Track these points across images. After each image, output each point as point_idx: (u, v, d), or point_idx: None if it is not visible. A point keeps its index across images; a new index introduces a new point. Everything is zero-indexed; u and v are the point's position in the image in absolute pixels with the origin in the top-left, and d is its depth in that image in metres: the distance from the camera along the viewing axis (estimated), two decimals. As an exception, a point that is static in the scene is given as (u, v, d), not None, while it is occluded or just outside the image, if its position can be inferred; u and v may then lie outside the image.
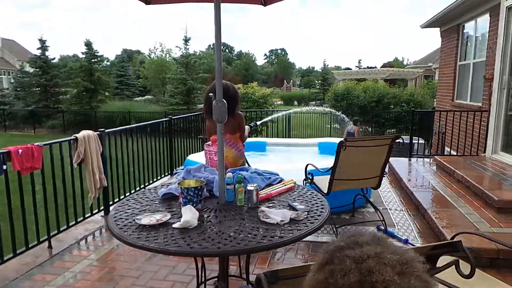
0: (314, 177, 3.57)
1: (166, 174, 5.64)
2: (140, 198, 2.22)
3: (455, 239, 1.32)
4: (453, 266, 0.97)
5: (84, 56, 21.64)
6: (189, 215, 1.77)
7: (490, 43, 6.12)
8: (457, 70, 8.15)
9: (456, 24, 8.06)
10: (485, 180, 4.28)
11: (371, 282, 0.57)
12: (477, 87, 6.87)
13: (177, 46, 34.86)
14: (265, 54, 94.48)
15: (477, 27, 7.28)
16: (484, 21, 6.69)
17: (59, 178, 3.43)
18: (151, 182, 5.11)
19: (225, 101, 1.99)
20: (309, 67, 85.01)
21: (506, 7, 5.02)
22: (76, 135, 3.54)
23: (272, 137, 9.92)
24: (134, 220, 1.83)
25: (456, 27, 8.09)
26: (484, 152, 5.60)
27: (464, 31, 8.00)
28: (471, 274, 0.98)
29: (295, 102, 35.31)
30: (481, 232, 3.07)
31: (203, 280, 2.31)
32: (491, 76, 5.48)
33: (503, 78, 5.15)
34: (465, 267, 1.15)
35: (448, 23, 8.53)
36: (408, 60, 56.88)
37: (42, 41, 21.03)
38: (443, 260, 1.06)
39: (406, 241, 3.31)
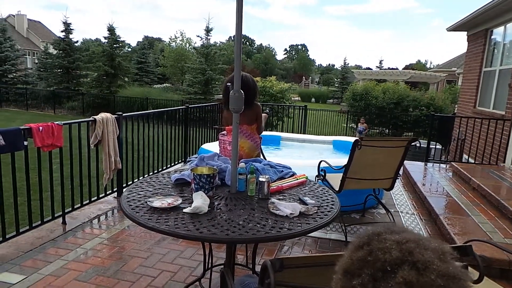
0: (327, 174, 3.55)
1: (180, 161, 5.70)
2: (153, 181, 2.26)
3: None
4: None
5: (106, 41, 21.91)
6: (200, 201, 1.80)
7: (519, 50, 5.94)
8: (481, 76, 7.94)
9: (484, 29, 7.83)
10: (502, 190, 4.18)
11: (412, 261, 0.57)
12: (502, 95, 6.68)
13: (198, 36, 34.97)
14: (285, 49, 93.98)
15: (506, 33, 7.06)
16: (513, 27, 6.49)
17: (76, 158, 3.52)
18: (164, 168, 5.19)
19: (242, 92, 2.00)
20: (329, 64, 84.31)
21: (538, 13, 4.85)
22: (95, 116, 3.61)
23: (288, 132, 9.91)
24: (146, 202, 1.87)
25: (484, 31, 7.86)
26: (504, 162, 5.46)
27: (492, 36, 7.77)
28: (480, 279, 0.97)
29: (313, 99, 35.06)
30: (494, 241, 3.01)
31: (209, 266, 2.34)
32: (517, 84, 5.33)
33: (529, 87, 5.00)
34: (474, 275, 1.14)
35: (476, 27, 8.30)
36: (431, 63, 55.72)
37: (67, 24, 21.35)
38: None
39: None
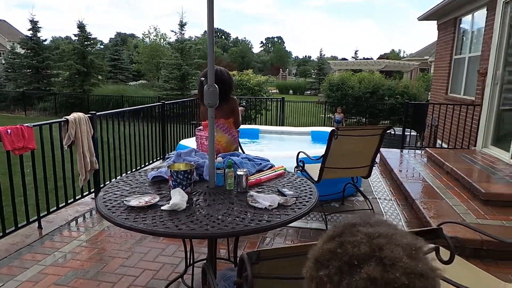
0: (306, 165, 3.59)
1: (158, 158, 5.63)
2: (130, 180, 2.22)
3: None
4: (434, 253, 1.00)
5: (76, 38, 21.28)
6: (178, 197, 1.78)
7: (486, 38, 6.13)
8: (452, 63, 8.18)
9: (453, 18, 8.05)
10: (473, 173, 4.33)
11: (379, 257, 0.57)
12: (471, 81, 6.90)
13: (172, 31, 34.38)
14: (262, 42, 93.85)
15: (474, 21, 7.28)
16: (481, 15, 6.69)
17: (49, 160, 3.42)
18: (142, 166, 5.11)
19: (216, 86, 1.99)
20: (305, 56, 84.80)
21: (503, 2, 5.02)
22: (67, 117, 3.51)
23: (266, 124, 9.93)
24: (123, 202, 1.84)
25: (453, 20, 8.08)
26: (475, 145, 5.66)
27: (461, 25, 8.00)
28: (450, 260, 1.01)
29: (291, 91, 35.23)
30: (466, 222, 3.12)
31: (191, 262, 2.34)
32: (485, 71, 5.51)
33: (496, 73, 5.18)
34: (446, 255, 1.18)
35: (445, 16, 8.52)
36: (404, 52, 56.88)
37: (34, 22, 20.60)
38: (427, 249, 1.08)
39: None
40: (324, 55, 38.83)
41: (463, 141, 6.09)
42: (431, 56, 18.39)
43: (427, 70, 23.30)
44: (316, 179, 3.35)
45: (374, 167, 3.67)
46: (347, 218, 0.67)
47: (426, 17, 9.21)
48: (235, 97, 2.94)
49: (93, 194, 4.06)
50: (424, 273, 0.56)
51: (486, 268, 2.67)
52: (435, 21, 9.30)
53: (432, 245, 1.15)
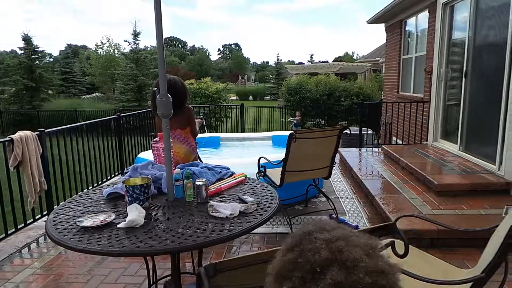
0: (267, 170, 3.59)
1: (116, 173, 5.43)
2: (83, 199, 2.11)
3: (397, 223, 1.39)
4: (389, 248, 1.02)
5: (22, 52, 20.16)
6: (134, 214, 1.71)
7: (429, 38, 6.51)
8: (401, 63, 8.60)
9: (399, 20, 8.48)
10: (427, 166, 4.55)
11: (341, 260, 0.57)
12: (419, 79, 7.29)
13: (125, 41, 33.50)
14: (219, 49, 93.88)
15: (417, 23, 7.71)
16: (423, 17, 7.10)
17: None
18: (100, 182, 4.90)
19: (169, 96, 1.94)
20: (263, 62, 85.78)
21: (442, 3, 5.35)
22: (12, 136, 3.29)
23: (227, 132, 9.89)
24: (75, 223, 1.73)
25: (399, 23, 8.51)
26: (426, 140, 5.96)
27: (407, 27, 8.44)
28: (405, 253, 1.04)
29: (250, 97, 35.43)
30: (422, 214, 3.26)
31: (154, 280, 2.25)
32: (431, 69, 5.83)
33: (440, 71, 5.50)
34: (402, 248, 1.22)
35: (392, 19, 8.95)
36: (357, 54, 59.15)
37: (-26, 36, 19.28)
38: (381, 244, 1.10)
39: (356, 227, 3.44)
40: (281, 60, 39.55)
41: (416, 137, 6.40)
42: (382, 57, 19.25)
43: (379, 71, 24.35)
44: (278, 184, 3.37)
45: (334, 167, 3.75)
46: (300, 229, 0.66)
47: (374, 20, 9.64)
48: (190, 106, 2.89)
49: (46, 216, 3.82)
50: (385, 270, 0.58)
51: (442, 256, 2.78)
52: (383, 24, 9.75)
53: (388, 240, 1.18)
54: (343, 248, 0.59)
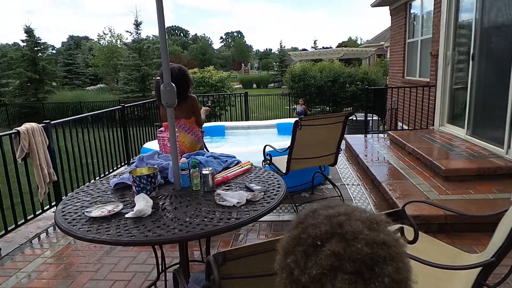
0: (273, 158, 3.59)
1: (123, 164, 5.46)
2: (91, 190, 2.12)
3: (406, 209, 1.38)
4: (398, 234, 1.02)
5: (25, 44, 20.15)
6: (142, 203, 1.72)
7: (435, 20, 6.38)
8: (406, 47, 8.46)
9: (404, 3, 8.31)
10: (433, 151, 4.52)
11: (341, 233, 0.58)
12: (425, 63, 7.18)
13: (127, 31, 33.29)
14: (222, 37, 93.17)
15: (423, 5, 7.56)
16: (429, -1, 6.95)
17: (2, 175, 3.20)
18: (107, 173, 4.94)
19: (173, 85, 1.92)
20: (266, 49, 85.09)
21: (448, -16, 5.23)
22: (18, 128, 3.30)
23: (231, 120, 9.87)
24: (84, 213, 1.75)
25: (404, 5, 8.35)
26: (433, 125, 5.90)
27: (412, 9, 8.28)
28: (415, 238, 1.03)
29: (254, 85, 35.26)
30: (429, 200, 3.25)
31: (163, 268, 2.27)
32: (437, 53, 5.74)
33: (447, 54, 5.41)
34: (412, 235, 1.21)
35: (396, 2, 8.78)
36: (361, 39, 58.41)
37: (-24, 29, 19.27)
38: (390, 228, 1.10)
39: (362, 214, 3.43)
40: (284, 47, 39.27)
41: (422, 122, 6.34)
42: (387, 42, 18.99)
43: (384, 55, 24.05)
44: (284, 171, 3.36)
45: (340, 154, 3.73)
46: (306, 208, 0.68)
47: (379, 3, 9.46)
48: (194, 95, 2.88)
49: (55, 207, 3.86)
50: (386, 242, 0.59)
51: (451, 242, 2.79)
52: (387, 7, 9.58)
53: (397, 226, 1.17)
54: (344, 222, 0.60)
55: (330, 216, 0.62)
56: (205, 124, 3.67)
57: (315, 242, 0.59)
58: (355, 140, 6.11)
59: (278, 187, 1.99)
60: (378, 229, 0.61)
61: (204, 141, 3.23)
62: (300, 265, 0.59)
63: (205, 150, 3.14)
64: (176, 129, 2.85)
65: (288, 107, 14.27)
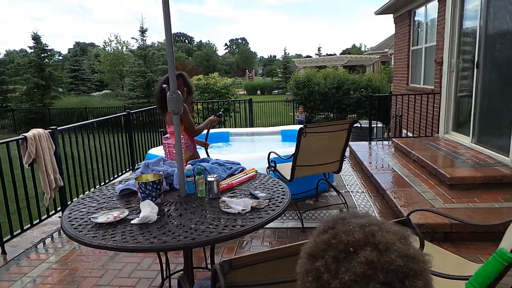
0: (277, 165, 3.59)
1: (128, 169, 5.48)
2: (97, 196, 2.14)
3: (409, 217, 1.38)
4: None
5: (32, 51, 20.39)
6: (147, 210, 1.73)
7: (439, 28, 6.39)
8: (410, 55, 8.47)
9: (408, 10, 8.34)
10: (438, 159, 4.50)
11: (374, 243, 0.59)
12: (429, 70, 7.18)
13: (133, 38, 33.61)
14: (226, 44, 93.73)
15: (427, 12, 7.58)
16: (433, 7, 6.97)
17: (9, 180, 3.23)
18: (112, 178, 4.96)
19: (179, 92, 1.95)
20: (270, 56, 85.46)
21: (453, -7, 5.25)
22: (25, 134, 3.34)
23: (235, 127, 9.90)
24: (90, 219, 1.76)
25: (408, 13, 8.38)
26: (438, 132, 5.89)
27: (416, 17, 8.30)
28: (421, 248, 1.03)
29: (258, 92, 35.37)
30: (434, 209, 3.24)
31: (167, 275, 2.28)
32: (441, 60, 5.74)
33: (451, 61, 5.42)
34: (417, 244, 1.21)
35: (400, 10, 8.82)
36: (365, 46, 58.54)
37: (-15, 36, 19.55)
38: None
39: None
40: (288, 53, 39.43)
41: (427, 129, 6.32)
42: (391, 49, 19.01)
43: (388, 63, 24.06)
44: (288, 178, 3.36)
45: (344, 161, 3.73)
46: (333, 215, 0.69)
47: (383, 11, 9.50)
48: (184, 104, 2.89)
49: (60, 212, 3.88)
50: (416, 256, 0.59)
51: (456, 251, 2.77)
52: (391, 15, 9.62)
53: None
54: (376, 232, 0.61)
55: (362, 225, 0.62)
56: (211, 131, 3.67)
57: (347, 248, 0.59)
58: (359, 147, 6.10)
59: (283, 195, 1.99)
60: (407, 244, 0.61)
61: (208, 148, 3.23)
62: (331, 270, 0.58)
63: (207, 157, 3.15)
64: (169, 136, 2.87)
65: (292, 114, 14.29)
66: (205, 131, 3.38)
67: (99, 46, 35.84)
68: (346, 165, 5.46)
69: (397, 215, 3.42)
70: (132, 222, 1.69)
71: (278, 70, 41.09)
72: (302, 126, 3.20)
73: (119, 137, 5.30)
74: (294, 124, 12.27)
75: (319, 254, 0.61)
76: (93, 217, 1.76)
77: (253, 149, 6.14)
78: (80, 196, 2.17)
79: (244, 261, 0.90)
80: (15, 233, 3.34)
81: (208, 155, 3.22)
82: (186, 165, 2.12)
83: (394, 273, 0.56)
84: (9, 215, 3.25)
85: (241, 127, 8.91)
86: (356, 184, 4.63)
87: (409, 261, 0.57)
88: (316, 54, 39.64)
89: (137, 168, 5.06)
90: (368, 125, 6.67)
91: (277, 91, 34.47)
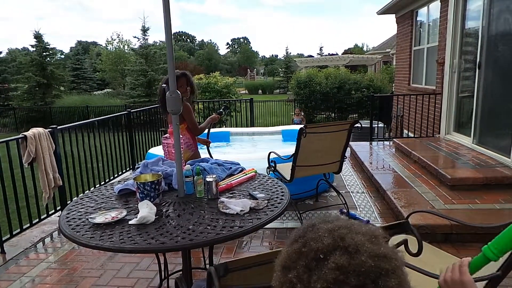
0: (277, 165, 3.58)
1: (128, 169, 5.48)
2: (95, 195, 2.13)
3: (409, 218, 1.37)
4: (403, 246, 1.01)
5: (34, 49, 20.42)
6: (145, 210, 1.72)
7: (441, 28, 6.37)
8: (412, 55, 8.45)
9: (410, 10, 8.31)
10: (439, 160, 4.48)
11: (343, 246, 0.58)
12: (431, 71, 7.15)
13: (135, 37, 33.61)
14: (228, 43, 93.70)
15: (429, 13, 7.55)
16: (435, 7, 6.95)
17: (9, 179, 3.23)
18: (112, 178, 4.96)
19: (179, 92, 1.94)
20: (272, 55, 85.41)
21: (455, -7, 5.22)
22: (25, 133, 3.34)
23: (236, 126, 9.89)
24: (87, 219, 1.75)
25: (410, 13, 8.35)
26: (439, 133, 5.87)
27: (418, 17, 8.27)
28: (419, 252, 1.02)
29: (260, 91, 35.35)
30: (433, 210, 3.22)
31: (165, 275, 2.27)
32: (443, 60, 5.72)
33: (453, 62, 5.39)
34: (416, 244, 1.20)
35: (402, 10, 8.79)
36: (367, 46, 58.43)
37: (-13, 34, 19.58)
38: (394, 240, 1.09)
39: (367, 222, 3.41)
40: (290, 53, 39.43)
41: (428, 130, 6.30)
42: (393, 49, 18.96)
43: (390, 63, 24.00)
44: (288, 178, 3.35)
45: (344, 162, 3.71)
46: (304, 223, 0.69)
47: (385, 10, 9.47)
48: (186, 103, 2.88)
49: (60, 211, 3.88)
50: (387, 255, 0.59)
51: (456, 252, 2.76)
52: (394, 15, 9.58)
53: (401, 238, 1.16)
54: (346, 235, 0.60)
55: (331, 230, 0.62)
56: (211, 130, 3.66)
57: (317, 256, 0.58)
58: (360, 147, 6.08)
59: (282, 196, 1.98)
60: (378, 243, 0.61)
61: (210, 147, 3.22)
62: (303, 280, 0.57)
63: (209, 156, 3.14)
64: (168, 136, 2.86)
65: (293, 113, 14.27)
66: (206, 130, 3.38)
67: (101, 45, 35.87)
68: (347, 165, 5.44)
69: (397, 215, 3.41)
70: (130, 222, 1.68)
71: (280, 69, 41.08)
72: (302, 126, 3.19)
73: (119, 136, 5.30)
74: (294, 123, 12.26)
75: (291, 265, 0.61)
76: (91, 217, 1.76)
77: (253, 149, 6.13)
78: (79, 196, 2.16)
79: (240, 264, 0.89)
80: (14, 233, 3.34)
81: (209, 153, 3.21)
82: (185, 164, 2.11)
83: (366, 275, 0.55)
84: (8, 215, 3.24)
85: (241, 127, 8.89)
86: (356, 184, 4.62)
87: (380, 260, 0.57)
88: (318, 53, 39.60)
89: (137, 167, 5.08)
90: (369, 125, 6.65)
91: (278, 91, 34.45)
